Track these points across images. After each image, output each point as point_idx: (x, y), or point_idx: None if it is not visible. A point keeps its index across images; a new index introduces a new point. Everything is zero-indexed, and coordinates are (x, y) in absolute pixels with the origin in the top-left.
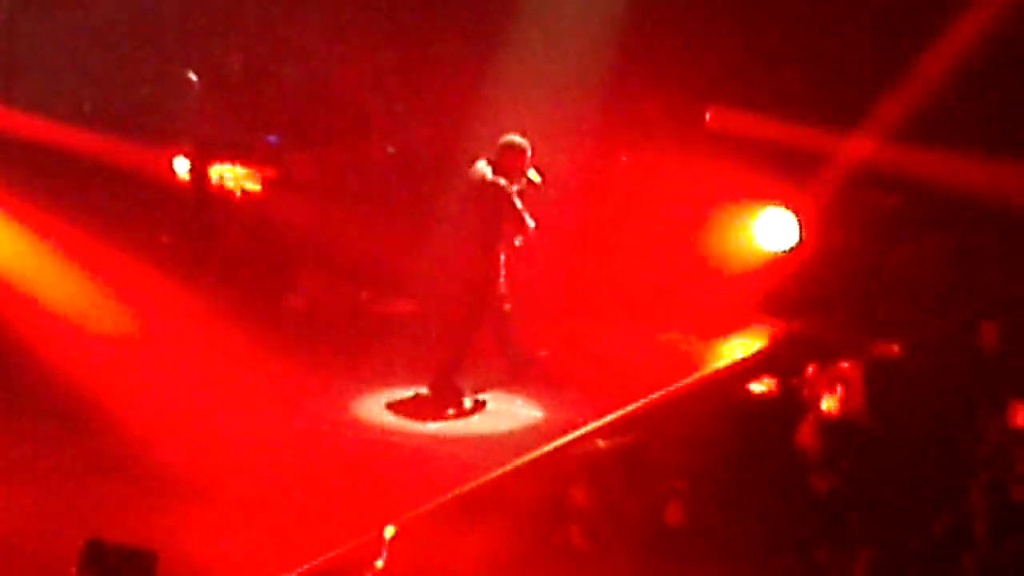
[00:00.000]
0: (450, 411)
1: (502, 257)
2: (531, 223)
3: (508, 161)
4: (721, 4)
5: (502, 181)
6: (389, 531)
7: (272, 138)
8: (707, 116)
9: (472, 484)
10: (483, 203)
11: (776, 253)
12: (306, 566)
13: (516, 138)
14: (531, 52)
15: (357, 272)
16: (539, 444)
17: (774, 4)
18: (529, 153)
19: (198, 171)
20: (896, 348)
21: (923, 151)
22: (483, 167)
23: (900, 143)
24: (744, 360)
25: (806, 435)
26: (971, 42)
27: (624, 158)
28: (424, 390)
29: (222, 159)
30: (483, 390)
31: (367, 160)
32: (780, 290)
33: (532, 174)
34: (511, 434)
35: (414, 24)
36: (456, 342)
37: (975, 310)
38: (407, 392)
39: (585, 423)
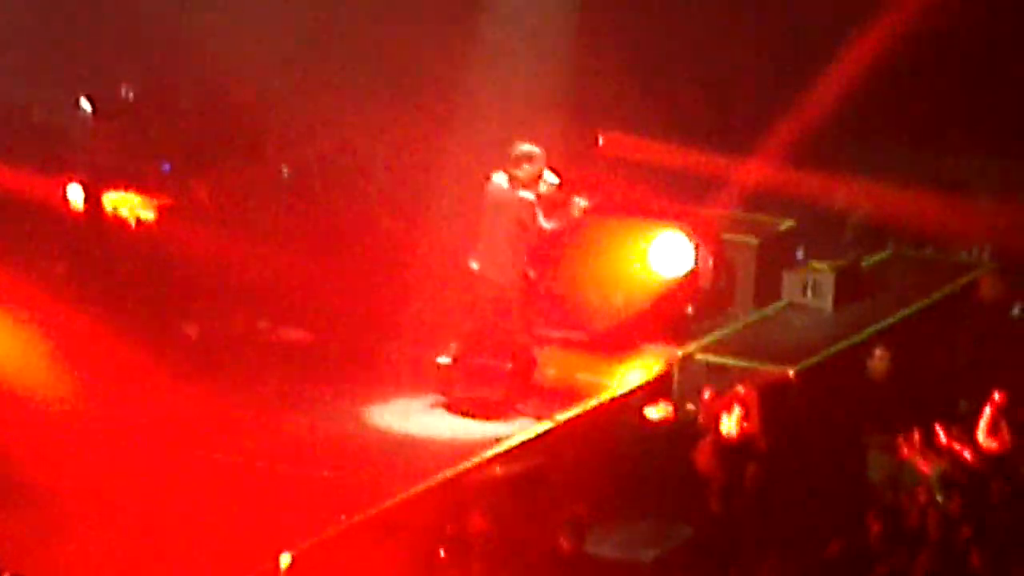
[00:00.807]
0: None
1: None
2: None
3: (525, 170)
4: (616, 28)
5: (525, 194)
6: (285, 560)
7: (166, 166)
8: (599, 140)
9: (369, 511)
10: (509, 217)
11: (671, 277)
12: None
13: (528, 147)
14: (431, 74)
15: (252, 301)
16: (437, 470)
17: (669, 28)
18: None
19: (92, 199)
20: (791, 372)
21: (816, 174)
22: (501, 180)
23: (793, 167)
24: (641, 385)
25: (704, 459)
26: (865, 67)
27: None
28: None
29: (116, 187)
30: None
31: (263, 185)
32: (676, 314)
33: (549, 176)
34: (409, 461)
35: (310, 45)
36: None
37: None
38: (305, 420)
39: (483, 449)
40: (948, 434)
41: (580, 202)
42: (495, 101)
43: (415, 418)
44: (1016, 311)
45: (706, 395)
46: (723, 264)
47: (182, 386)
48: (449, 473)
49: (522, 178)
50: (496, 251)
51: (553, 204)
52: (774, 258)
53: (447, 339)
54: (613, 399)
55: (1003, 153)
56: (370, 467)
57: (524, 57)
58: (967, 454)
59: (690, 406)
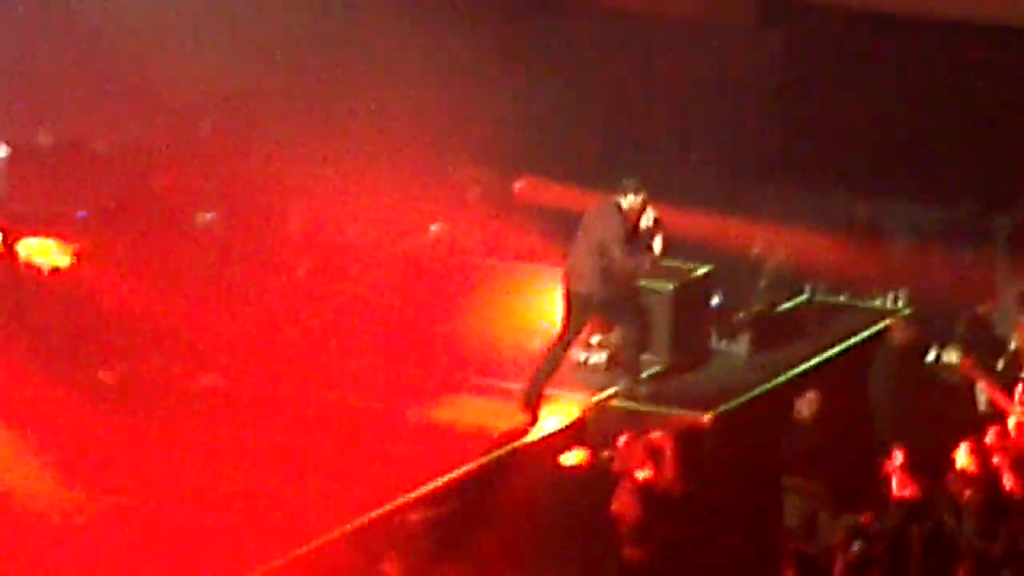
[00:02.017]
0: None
1: None
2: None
3: (628, 200)
4: (531, 72)
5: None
6: None
7: (82, 213)
8: (516, 186)
9: (280, 560)
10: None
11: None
12: None
13: (634, 181)
14: (351, 121)
15: (169, 346)
16: (350, 517)
17: (586, 75)
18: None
19: (7, 246)
20: (707, 418)
21: (732, 220)
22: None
23: (709, 212)
24: (557, 432)
25: (619, 505)
26: (782, 113)
27: (434, 227)
28: None
29: (32, 233)
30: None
31: (180, 231)
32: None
33: (650, 211)
34: (321, 506)
35: (233, 92)
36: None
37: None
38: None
39: (395, 495)
40: (864, 480)
41: (655, 255)
42: (413, 147)
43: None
44: (931, 356)
45: (621, 441)
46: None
47: (99, 432)
48: (362, 520)
49: (624, 208)
50: (579, 265)
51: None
52: (690, 304)
53: (359, 385)
54: (527, 446)
55: (918, 199)
56: (283, 512)
57: (445, 104)
58: (883, 500)
59: (606, 452)
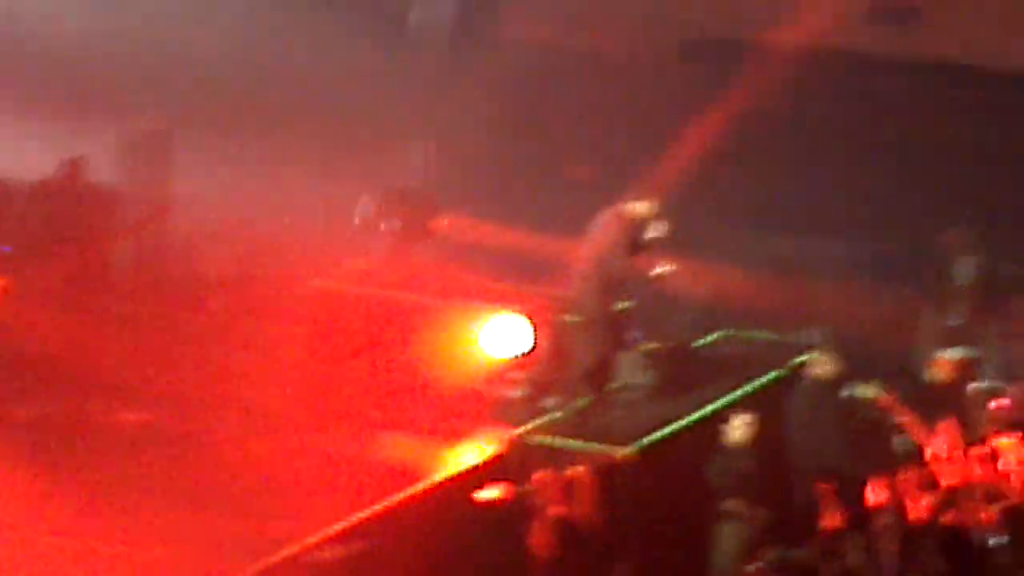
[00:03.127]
0: None
1: None
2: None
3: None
4: (453, 106)
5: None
6: None
7: (4, 248)
8: (435, 222)
9: None
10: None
11: (507, 359)
12: None
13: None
14: (267, 151)
15: (88, 382)
16: (267, 554)
17: (507, 106)
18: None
19: None
20: (625, 452)
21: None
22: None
23: None
24: (475, 467)
25: (538, 540)
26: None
27: (351, 262)
28: None
29: None
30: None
31: (100, 267)
32: (511, 396)
33: (658, 224)
34: (238, 543)
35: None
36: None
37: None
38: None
39: (313, 531)
40: (782, 514)
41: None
42: (330, 182)
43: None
44: (847, 392)
45: (540, 477)
46: (559, 345)
47: (15, 470)
48: (278, 557)
49: (628, 215)
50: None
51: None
52: (608, 339)
53: (276, 420)
54: (446, 481)
55: (837, 235)
56: (199, 549)
57: (364, 138)
58: (800, 534)
59: (524, 488)
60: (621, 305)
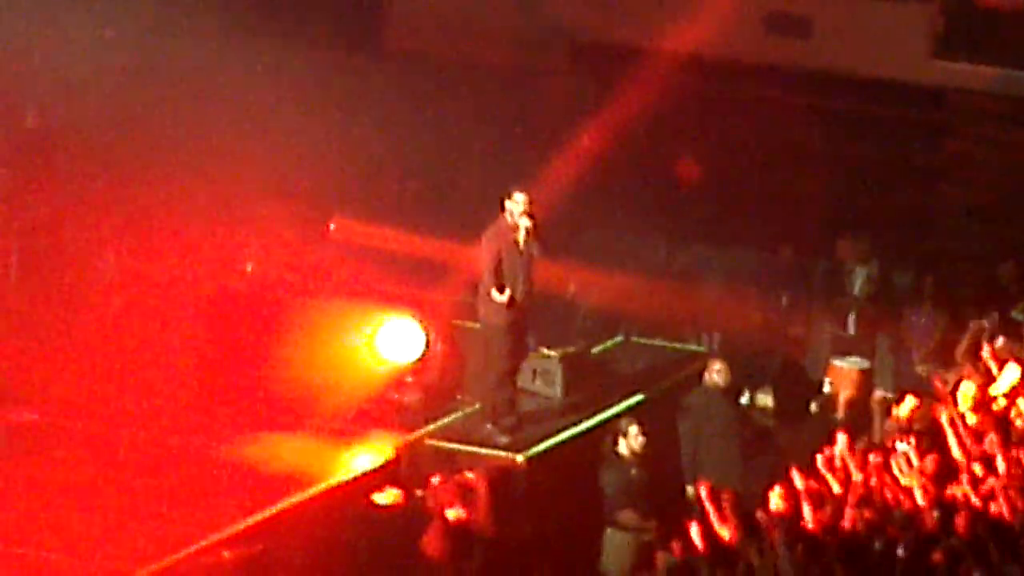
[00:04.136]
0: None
1: None
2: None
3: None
4: (348, 112)
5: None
6: None
7: None
8: (331, 226)
9: None
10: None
11: (402, 363)
12: None
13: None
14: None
15: None
16: (161, 556)
17: (398, 115)
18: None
19: None
20: (519, 459)
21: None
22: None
23: None
24: (369, 471)
25: (432, 545)
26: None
27: (249, 267)
28: None
29: None
30: None
31: None
32: (406, 400)
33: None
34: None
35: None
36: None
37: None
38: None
39: (207, 534)
40: (677, 521)
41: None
42: (228, 186)
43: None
44: (745, 398)
45: (434, 481)
46: (454, 350)
47: None
48: (172, 559)
49: (508, 223)
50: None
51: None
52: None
53: (173, 422)
54: (340, 485)
55: (732, 243)
56: (93, 551)
57: (260, 143)
58: (698, 541)
59: (418, 492)
60: (515, 311)
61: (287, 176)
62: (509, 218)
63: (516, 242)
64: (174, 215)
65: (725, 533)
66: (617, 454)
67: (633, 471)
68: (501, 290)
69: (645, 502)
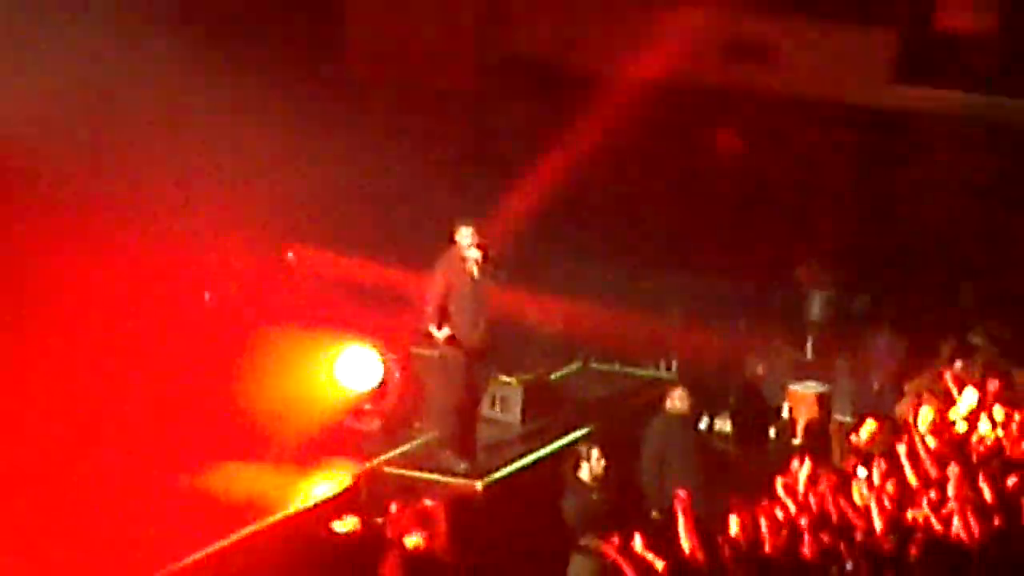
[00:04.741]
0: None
1: None
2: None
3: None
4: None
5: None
6: None
7: None
8: (289, 254)
9: None
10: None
11: (359, 391)
12: None
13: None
14: (120, 182)
15: None
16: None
17: (353, 142)
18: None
19: None
20: (478, 486)
21: (506, 289)
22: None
23: None
24: (328, 498)
25: (391, 572)
26: (555, 183)
27: (207, 296)
28: None
29: None
30: None
31: None
32: (364, 428)
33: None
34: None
35: None
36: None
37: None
38: None
39: (164, 562)
40: (643, 543)
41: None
42: (183, 212)
43: None
44: (704, 424)
45: (393, 508)
46: (411, 378)
47: None
48: None
49: (460, 254)
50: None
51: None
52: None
53: (129, 451)
54: (299, 513)
55: (691, 270)
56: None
57: (217, 167)
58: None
59: (378, 520)
60: (474, 338)
61: (244, 204)
62: (460, 250)
63: (467, 272)
64: (129, 243)
65: (681, 558)
66: (578, 479)
67: (594, 495)
68: (440, 327)
69: (607, 526)
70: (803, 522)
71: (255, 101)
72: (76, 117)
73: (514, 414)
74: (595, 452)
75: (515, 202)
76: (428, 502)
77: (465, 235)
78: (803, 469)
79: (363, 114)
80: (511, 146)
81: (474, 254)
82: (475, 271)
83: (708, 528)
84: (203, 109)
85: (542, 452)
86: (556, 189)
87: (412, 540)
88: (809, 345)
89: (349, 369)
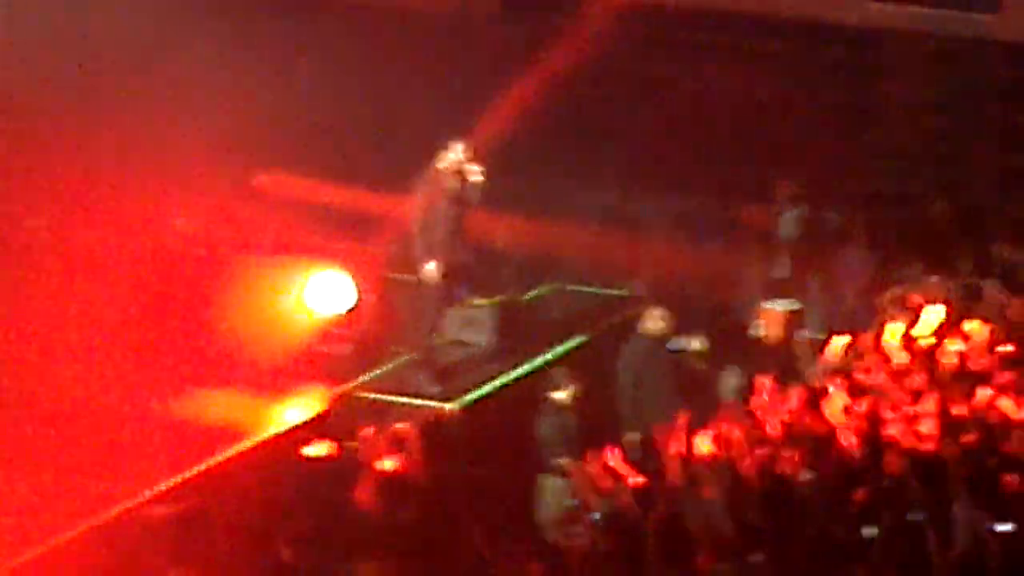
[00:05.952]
0: None
1: None
2: None
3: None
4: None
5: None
6: None
7: None
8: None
9: (25, 556)
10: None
11: (332, 315)
12: None
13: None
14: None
15: None
16: (94, 512)
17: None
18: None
19: None
20: (451, 408)
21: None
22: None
23: None
24: (301, 423)
25: (365, 497)
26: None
27: (178, 223)
28: None
29: None
30: None
31: None
32: (337, 352)
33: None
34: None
35: None
36: None
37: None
38: None
39: (139, 490)
40: (614, 465)
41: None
42: (156, 142)
43: None
44: (675, 344)
45: (366, 432)
46: (385, 302)
47: None
48: (105, 516)
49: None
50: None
51: None
52: (435, 294)
53: (104, 380)
54: (272, 438)
55: (664, 190)
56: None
57: (188, 98)
58: (632, 482)
59: (351, 444)
60: (447, 261)
61: (214, 131)
62: (444, 168)
63: (449, 192)
64: (101, 173)
65: (654, 477)
66: (551, 401)
67: (568, 417)
68: (429, 261)
69: (580, 448)
70: (775, 439)
71: (225, 25)
72: (44, 50)
73: (487, 336)
74: (569, 373)
75: (491, 125)
76: (401, 425)
77: (459, 151)
78: (774, 387)
79: (335, 36)
80: (487, 68)
81: (475, 170)
82: (460, 189)
83: (681, 448)
84: (171, 35)
85: (515, 374)
86: (523, 110)
87: (385, 464)
88: (781, 263)
89: (321, 293)
